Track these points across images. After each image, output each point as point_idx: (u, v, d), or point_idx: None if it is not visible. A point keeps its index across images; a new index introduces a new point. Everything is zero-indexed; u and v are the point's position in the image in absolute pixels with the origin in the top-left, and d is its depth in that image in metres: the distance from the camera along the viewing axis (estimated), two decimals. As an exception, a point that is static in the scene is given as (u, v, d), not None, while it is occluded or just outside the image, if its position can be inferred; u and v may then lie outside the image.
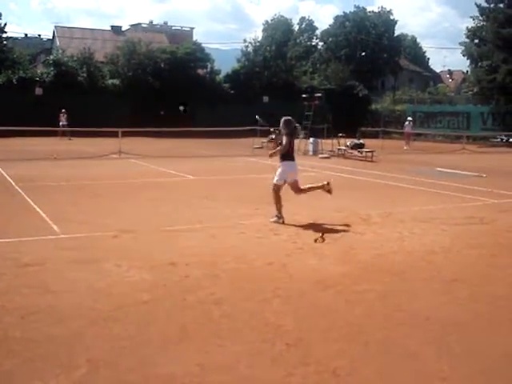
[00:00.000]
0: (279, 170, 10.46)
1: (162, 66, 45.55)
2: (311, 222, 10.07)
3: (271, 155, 11.02)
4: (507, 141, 37.25)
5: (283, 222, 9.93)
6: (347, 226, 9.80)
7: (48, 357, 4.49)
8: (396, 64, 72.58)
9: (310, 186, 10.80)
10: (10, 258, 7.25)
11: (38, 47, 70.17)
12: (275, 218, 10.05)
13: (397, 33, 74.91)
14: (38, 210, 10.73)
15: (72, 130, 31.33)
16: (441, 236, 9.24)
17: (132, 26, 75.01)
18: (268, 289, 6.24)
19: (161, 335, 4.94)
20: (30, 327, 5.06)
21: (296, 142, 27.55)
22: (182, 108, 41.41)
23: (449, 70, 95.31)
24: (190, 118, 41.06)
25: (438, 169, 20.15)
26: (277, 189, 10.30)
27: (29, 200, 11.78)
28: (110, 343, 4.77)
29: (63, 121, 35.08)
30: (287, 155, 10.41)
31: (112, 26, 68.58)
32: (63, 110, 35.25)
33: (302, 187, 10.60)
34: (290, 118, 10.63)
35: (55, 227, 9.18)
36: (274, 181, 10.37)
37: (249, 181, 16.63)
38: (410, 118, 37.49)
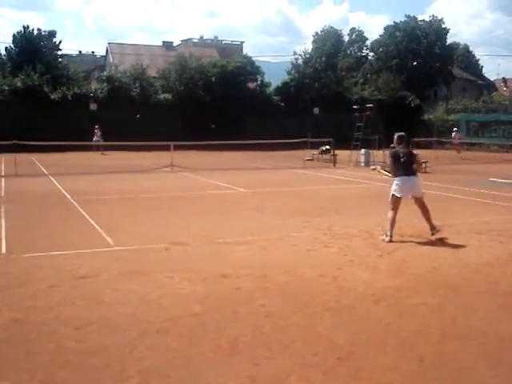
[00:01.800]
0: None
1: (213, 80, 46.00)
2: (362, 234, 9.95)
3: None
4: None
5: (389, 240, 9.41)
6: (400, 238, 9.64)
7: (101, 367, 4.56)
8: (448, 73, 71.37)
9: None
10: (65, 270, 7.41)
11: (92, 64, 71.85)
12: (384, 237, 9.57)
13: (449, 41, 73.72)
14: (92, 222, 10.95)
15: (119, 145, 31.77)
16: (497, 248, 9.00)
17: (183, 41, 76.20)
18: (319, 302, 6.19)
19: (212, 347, 4.95)
20: (84, 338, 5.15)
21: (347, 153, 27.44)
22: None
23: (503, 78, 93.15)
24: (240, 130, 41.29)
25: (492, 179, 19.67)
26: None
27: (83, 213, 12.04)
28: (162, 354, 4.80)
29: (97, 136, 35.78)
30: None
31: (163, 42, 69.85)
32: (97, 126, 36.09)
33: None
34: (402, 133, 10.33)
35: (109, 239, 9.35)
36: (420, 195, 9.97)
37: (299, 193, 16.58)
38: (455, 129, 38.22)
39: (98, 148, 34.83)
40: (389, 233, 9.48)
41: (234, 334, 5.26)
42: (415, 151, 10.11)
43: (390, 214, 9.68)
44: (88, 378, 4.40)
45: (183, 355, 4.80)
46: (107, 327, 5.42)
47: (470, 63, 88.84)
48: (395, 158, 9.87)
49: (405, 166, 9.75)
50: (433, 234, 9.69)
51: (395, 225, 9.60)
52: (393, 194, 9.85)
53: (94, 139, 35.44)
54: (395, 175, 9.93)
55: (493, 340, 5.20)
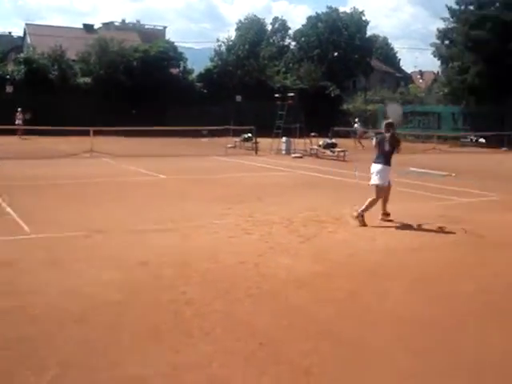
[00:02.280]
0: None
1: (135, 64, 45.23)
2: (283, 221, 10.08)
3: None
4: (477, 141, 37.77)
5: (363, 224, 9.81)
6: (320, 225, 9.84)
7: (18, 358, 4.43)
8: (368, 64, 73.01)
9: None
10: (-22, 259, 7.14)
11: (9, 45, 68.97)
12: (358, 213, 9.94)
13: (369, 33, 75.45)
14: (8, 209, 10.58)
15: (38, 129, 30.86)
16: (413, 235, 9.34)
17: (104, 24, 74.29)
18: (240, 288, 6.25)
19: (132, 335, 4.91)
20: (1, 328, 4.99)
21: (268, 141, 27.56)
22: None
23: (420, 70, 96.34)
24: (162, 117, 40.83)
25: (411, 168, 20.35)
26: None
27: (-2, 199, 11.62)
28: (81, 344, 4.72)
29: (19, 119, 34.66)
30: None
31: (84, 24, 67.86)
32: (19, 109, 34.90)
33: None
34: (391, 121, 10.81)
35: (26, 227, 9.06)
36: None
37: (221, 180, 16.61)
38: (357, 120, 37.29)
39: (21, 132, 33.67)
40: (360, 211, 9.90)
41: (154, 321, 5.23)
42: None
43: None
44: (4, 369, 4.27)
45: (103, 344, 4.73)
46: (24, 317, 5.27)
47: (388, 55, 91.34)
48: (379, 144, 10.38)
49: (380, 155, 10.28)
50: (382, 220, 10.22)
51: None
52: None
53: (17, 123, 34.19)
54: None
55: (406, 323, 5.41)
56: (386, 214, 10.37)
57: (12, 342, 4.73)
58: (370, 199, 10.07)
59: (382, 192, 10.23)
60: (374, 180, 10.26)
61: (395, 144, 10.43)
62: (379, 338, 5.03)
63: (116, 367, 4.35)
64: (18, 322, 5.16)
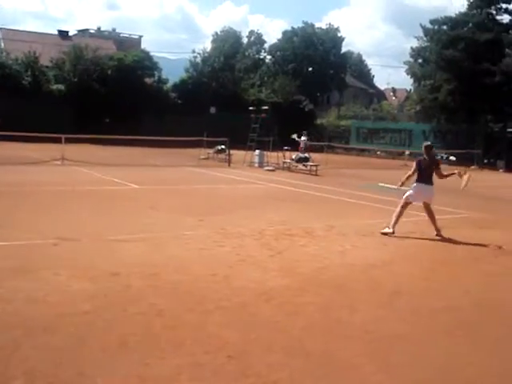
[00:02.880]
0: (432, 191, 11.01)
1: (109, 72, 45.07)
2: (255, 234, 10.09)
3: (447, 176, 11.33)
4: (447, 158, 38.32)
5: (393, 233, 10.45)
6: (291, 238, 9.88)
7: (-18, 368, 4.36)
8: (342, 80, 73.90)
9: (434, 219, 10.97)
10: None
11: (-19, 48, 68.28)
12: (387, 230, 10.55)
13: (343, 50, 76.43)
14: (-25, 215, 10.41)
15: (8, 135, 30.44)
16: (382, 250, 9.43)
17: (79, 31, 74.06)
18: (210, 300, 6.23)
19: (100, 346, 4.86)
20: (-36, 337, 4.90)
21: (242, 153, 27.59)
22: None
23: (393, 87, 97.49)
24: (136, 126, 40.65)
25: (381, 184, 20.55)
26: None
27: (-34, 205, 11.43)
28: (48, 354, 4.66)
29: None
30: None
31: (59, 31, 67.41)
32: None
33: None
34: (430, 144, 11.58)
35: (-7, 234, 8.93)
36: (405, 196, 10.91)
37: (194, 191, 16.58)
38: (305, 132, 34.06)
39: None
40: (391, 226, 10.51)
41: (123, 332, 5.19)
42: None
43: (399, 210, 10.71)
44: (-33, 378, 4.20)
45: (70, 355, 4.68)
46: (-11, 325, 5.18)
47: (362, 72, 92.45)
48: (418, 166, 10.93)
49: (424, 175, 10.84)
50: (437, 235, 10.70)
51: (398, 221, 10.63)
52: (407, 197, 10.82)
53: None
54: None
55: (375, 338, 5.45)
56: (438, 230, 10.82)
57: (-23, 351, 4.65)
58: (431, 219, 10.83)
59: (427, 209, 10.91)
60: (416, 198, 10.88)
61: (434, 165, 10.98)
62: (349, 353, 5.05)
63: (84, 378, 4.29)
64: (-17, 330, 5.08)
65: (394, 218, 10.62)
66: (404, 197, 10.88)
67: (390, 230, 10.46)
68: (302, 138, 32.35)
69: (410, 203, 10.88)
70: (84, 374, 4.36)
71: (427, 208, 10.96)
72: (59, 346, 4.82)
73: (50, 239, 8.73)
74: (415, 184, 10.91)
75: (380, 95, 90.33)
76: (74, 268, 7.22)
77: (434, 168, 10.93)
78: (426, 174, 10.84)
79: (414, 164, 11.22)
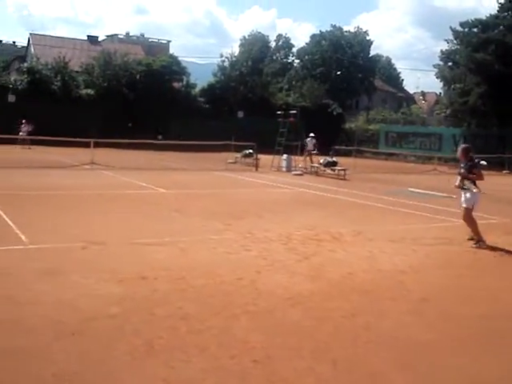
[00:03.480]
0: (469, 195, 10.39)
1: (138, 77, 45.46)
2: (282, 238, 10.06)
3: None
4: (478, 163, 37.76)
5: (486, 246, 10.06)
6: (318, 243, 9.82)
7: (14, 369, 4.41)
8: (370, 84, 73.44)
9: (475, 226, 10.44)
10: (-25, 268, 7.12)
11: (13, 54, 69.41)
12: (478, 244, 10.16)
13: (372, 53, 76.00)
14: (6, 219, 10.56)
15: (39, 140, 30.89)
16: (411, 256, 9.32)
17: (108, 36, 74.84)
18: (236, 305, 6.22)
19: (127, 350, 4.88)
20: (-6, 339, 4.96)
21: (269, 157, 27.50)
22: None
23: (422, 91, 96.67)
24: (164, 130, 40.94)
25: (410, 189, 20.36)
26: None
27: (-3, 209, 11.60)
28: (77, 357, 4.69)
29: (23, 133, 34.33)
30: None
31: (88, 36, 68.34)
32: (24, 120, 34.66)
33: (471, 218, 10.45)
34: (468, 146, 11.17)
35: (23, 237, 9.04)
36: (465, 204, 10.41)
37: (221, 195, 16.61)
38: (312, 135, 31.10)
39: (24, 142, 33.32)
40: (482, 240, 10.16)
41: (150, 336, 5.20)
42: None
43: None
44: (0, 380, 4.24)
45: (98, 357, 4.71)
46: (20, 328, 5.24)
47: (391, 76, 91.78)
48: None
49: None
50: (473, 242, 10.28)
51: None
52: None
53: (20, 133, 33.85)
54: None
55: (403, 345, 5.38)
56: (472, 239, 10.42)
57: (7, 353, 4.70)
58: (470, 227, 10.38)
59: (466, 215, 10.36)
60: (461, 202, 10.52)
61: (471, 169, 10.47)
62: (377, 359, 4.99)
63: (112, 381, 4.32)
64: (13, 333, 5.13)
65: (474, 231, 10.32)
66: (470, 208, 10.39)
67: (483, 245, 10.12)
68: (308, 139, 30.50)
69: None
70: (111, 376, 4.39)
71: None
72: (87, 349, 4.85)
73: (78, 243, 8.81)
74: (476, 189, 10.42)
75: (409, 99, 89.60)
76: (102, 271, 7.27)
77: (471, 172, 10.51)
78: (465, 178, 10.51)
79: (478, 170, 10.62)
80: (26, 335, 5.09)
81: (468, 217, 10.39)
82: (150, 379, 4.37)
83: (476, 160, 10.73)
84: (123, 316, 5.70)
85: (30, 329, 5.24)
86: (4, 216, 10.81)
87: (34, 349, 4.82)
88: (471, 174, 10.46)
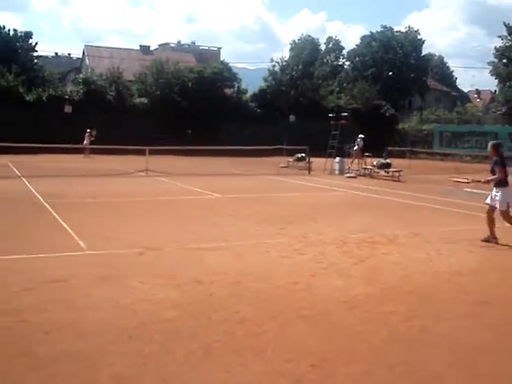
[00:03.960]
0: (500, 195, 10.15)
1: (190, 85, 45.98)
2: (336, 242, 10.01)
3: (486, 182, 10.67)
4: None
5: (496, 243, 10.10)
6: (373, 246, 9.73)
7: (71, 373, 4.52)
8: (423, 83, 72.29)
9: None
10: (37, 274, 7.33)
11: (68, 66, 71.15)
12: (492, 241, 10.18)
13: (424, 52, 74.77)
14: (65, 226, 10.84)
15: (96, 148, 31.59)
16: (468, 257, 9.13)
17: (160, 45, 76.01)
18: (292, 309, 6.22)
19: (184, 354, 4.94)
20: (54, 343, 5.10)
21: (322, 161, 27.34)
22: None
23: (477, 89, 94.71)
24: (216, 136, 41.32)
25: (466, 189, 19.93)
26: (506, 214, 10.25)
27: (56, 216, 11.92)
28: (134, 360, 4.78)
29: (86, 140, 34.81)
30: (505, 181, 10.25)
31: (141, 46, 69.61)
32: (88, 131, 35.11)
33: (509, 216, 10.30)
34: (499, 142, 10.94)
35: (82, 243, 9.27)
36: (499, 207, 10.19)
37: (274, 200, 16.63)
38: (362, 136, 29.62)
39: (86, 151, 34.02)
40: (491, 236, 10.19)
41: (206, 340, 5.25)
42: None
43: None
44: (58, 383, 4.35)
45: (155, 361, 4.78)
46: (78, 332, 5.37)
47: (444, 74, 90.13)
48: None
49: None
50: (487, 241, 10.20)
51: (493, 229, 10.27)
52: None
53: (84, 142, 34.45)
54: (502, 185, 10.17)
55: (462, 348, 5.27)
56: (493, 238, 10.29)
57: (66, 356, 4.82)
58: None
59: (504, 214, 10.20)
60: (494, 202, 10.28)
61: (495, 166, 10.28)
62: (434, 363, 4.90)
63: (168, 385, 4.38)
64: (72, 336, 5.26)
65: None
66: (501, 209, 10.21)
67: (493, 240, 10.13)
68: (358, 139, 29.29)
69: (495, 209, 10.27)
70: (168, 380, 4.44)
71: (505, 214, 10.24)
72: (144, 353, 4.93)
73: (135, 248, 8.97)
74: (506, 188, 10.17)
75: (463, 98, 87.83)
76: (159, 276, 7.38)
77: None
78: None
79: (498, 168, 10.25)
80: (84, 339, 5.21)
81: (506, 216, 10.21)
82: (208, 383, 4.41)
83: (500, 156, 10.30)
84: (180, 320, 5.77)
85: (87, 332, 5.36)
86: (63, 223, 11.10)
87: (91, 352, 4.92)
88: (492, 172, 10.26)
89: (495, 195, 10.17)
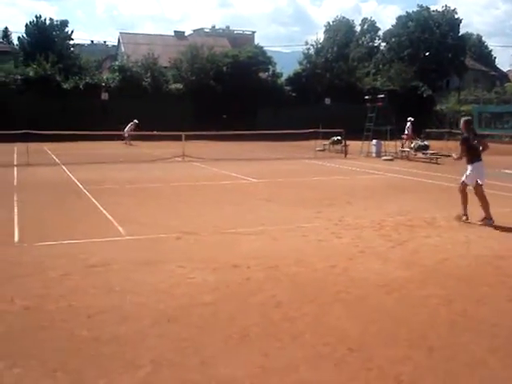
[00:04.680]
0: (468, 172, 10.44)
1: (225, 69, 45.92)
2: (374, 225, 9.93)
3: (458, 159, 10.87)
4: None
5: (466, 220, 10.33)
6: (411, 229, 9.62)
7: (113, 355, 4.60)
8: (461, 63, 70.85)
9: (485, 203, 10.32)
10: (77, 259, 7.46)
11: (104, 53, 71.75)
12: (463, 218, 10.39)
13: (461, 32, 73.19)
14: (104, 212, 11.00)
15: (135, 135, 31.76)
16: (508, 240, 8.97)
17: (195, 30, 75.99)
18: (329, 292, 6.20)
19: (222, 337, 4.98)
20: (96, 326, 5.19)
21: (358, 143, 27.12)
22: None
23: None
24: (252, 120, 41.27)
25: (506, 171, 19.56)
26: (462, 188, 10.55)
27: (95, 202, 12.10)
28: (173, 343, 4.83)
29: (128, 128, 34.02)
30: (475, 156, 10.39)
31: (175, 31, 69.77)
32: (135, 121, 34.05)
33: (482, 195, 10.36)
34: (469, 118, 11.26)
35: (121, 229, 9.39)
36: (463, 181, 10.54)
37: (311, 183, 16.56)
38: (411, 119, 29.99)
39: (127, 138, 33.63)
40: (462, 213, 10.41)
41: (244, 324, 5.28)
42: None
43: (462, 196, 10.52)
44: (100, 366, 4.43)
45: (194, 344, 4.82)
46: (119, 316, 5.46)
47: (482, 54, 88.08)
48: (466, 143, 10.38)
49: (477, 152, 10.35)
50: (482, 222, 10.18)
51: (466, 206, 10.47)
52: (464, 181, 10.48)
53: (126, 129, 33.64)
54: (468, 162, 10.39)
55: (503, 332, 5.19)
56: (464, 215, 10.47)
57: (107, 339, 4.91)
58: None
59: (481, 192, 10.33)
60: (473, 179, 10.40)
61: (477, 139, 10.61)
62: (475, 347, 4.84)
63: (207, 367, 4.42)
64: (113, 320, 5.35)
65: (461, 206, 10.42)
66: (461, 182, 10.51)
67: (464, 218, 10.32)
68: (408, 123, 29.53)
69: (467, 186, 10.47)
70: (207, 363, 4.48)
71: (480, 191, 10.28)
72: (183, 336, 4.98)
73: (173, 233, 9.05)
74: (473, 164, 10.26)
75: (503, 77, 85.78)
76: (196, 261, 7.44)
77: (478, 141, 10.48)
78: (476, 149, 10.34)
79: (460, 145, 10.52)
80: (125, 322, 5.29)
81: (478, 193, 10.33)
82: (246, 366, 4.44)
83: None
84: (217, 304, 5.81)
85: (128, 316, 5.45)
86: (102, 209, 11.26)
87: (131, 335, 5.00)
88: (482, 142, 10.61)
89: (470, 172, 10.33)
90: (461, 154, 10.46)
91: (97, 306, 5.71)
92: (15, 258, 7.62)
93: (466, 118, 10.98)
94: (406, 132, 29.29)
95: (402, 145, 28.15)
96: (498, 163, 23.50)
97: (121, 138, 33.27)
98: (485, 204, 10.17)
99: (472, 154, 10.27)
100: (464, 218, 10.31)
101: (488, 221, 10.03)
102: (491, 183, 15.94)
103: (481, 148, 10.39)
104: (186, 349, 4.74)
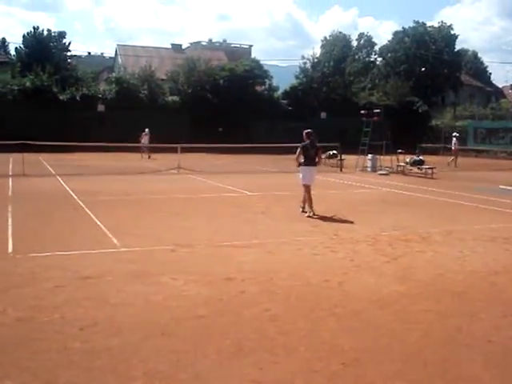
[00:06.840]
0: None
1: (221, 82, 46.04)
2: (369, 239, 9.93)
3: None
4: None
5: (302, 211, 12.75)
6: (406, 244, 9.63)
7: (105, 368, 4.57)
8: (457, 79, 71.20)
9: (307, 198, 12.81)
10: (71, 270, 7.43)
11: (101, 65, 71.92)
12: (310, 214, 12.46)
13: (457, 47, 73.64)
14: (98, 223, 10.97)
15: (129, 146, 31.47)
16: (503, 256, 8.97)
17: (192, 43, 76.29)
18: (324, 307, 6.19)
19: (216, 350, 4.95)
20: (89, 339, 5.16)
21: (354, 158, 27.27)
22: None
23: (511, 84, 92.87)
24: (248, 134, 41.33)
25: (501, 186, 19.62)
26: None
27: (90, 213, 12.07)
28: (166, 356, 4.81)
29: (143, 141, 33.38)
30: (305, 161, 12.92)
31: (172, 44, 70.06)
32: (146, 130, 33.74)
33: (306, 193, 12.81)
34: (310, 130, 13.20)
35: (115, 240, 9.37)
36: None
37: (306, 197, 16.52)
38: (456, 134, 32.59)
39: (143, 151, 33.26)
40: (308, 210, 12.61)
41: (238, 337, 5.25)
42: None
43: (307, 196, 12.79)
44: (92, 378, 4.40)
45: (187, 357, 4.80)
46: (112, 328, 5.43)
47: (478, 70, 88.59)
48: (304, 150, 12.81)
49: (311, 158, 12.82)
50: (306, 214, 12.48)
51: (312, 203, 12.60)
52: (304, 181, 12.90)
53: (142, 142, 33.11)
54: (302, 164, 12.97)
55: (497, 348, 5.18)
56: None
57: (101, 352, 4.88)
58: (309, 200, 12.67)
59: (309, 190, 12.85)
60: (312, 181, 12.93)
61: (316, 148, 12.99)
62: (469, 363, 4.83)
63: (200, 381, 4.40)
64: (106, 332, 5.32)
65: (307, 205, 12.68)
66: (302, 183, 12.89)
67: (310, 214, 12.38)
68: (454, 139, 31.71)
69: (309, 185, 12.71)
70: (200, 376, 4.46)
71: (309, 189, 12.71)
72: (176, 349, 4.96)
73: (167, 245, 9.04)
74: (304, 167, 12.87)
75: (498, 93, 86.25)
76: (191, 273, 7.42)
77: (316, 151, 12.92)
78: (311, 156, 12.79)
79: (298, 150, 12.96)
80: (118, 335, 5.26)
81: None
82: (239, 380, 4.41)
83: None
84: (211, 317, 5.79)
85: (121, 328, 5.42)
86: (96, 221, 11.23)
87: (124, 348, 4.97)
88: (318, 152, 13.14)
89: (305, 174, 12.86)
90: (297, 157, 12.95)
91: (90, 317, 5.68)
92: (8, 268, 7.58)
93: (307, 130, 13.17)
94: (453, 148, 31.47)
95: (452, 160, 30.63)
96: (494, 178, 23.61)
97: (140, 151, 32.83)
98: (310, 201, 12.55)
99: (309, 160, 12.74)
100: (310, 213, 12.33)
101: (309, 213, 12.37)
102: (487, 199, 16.02)
103: (317, 158, 12.95)
104: (179, 362, 4.71)
